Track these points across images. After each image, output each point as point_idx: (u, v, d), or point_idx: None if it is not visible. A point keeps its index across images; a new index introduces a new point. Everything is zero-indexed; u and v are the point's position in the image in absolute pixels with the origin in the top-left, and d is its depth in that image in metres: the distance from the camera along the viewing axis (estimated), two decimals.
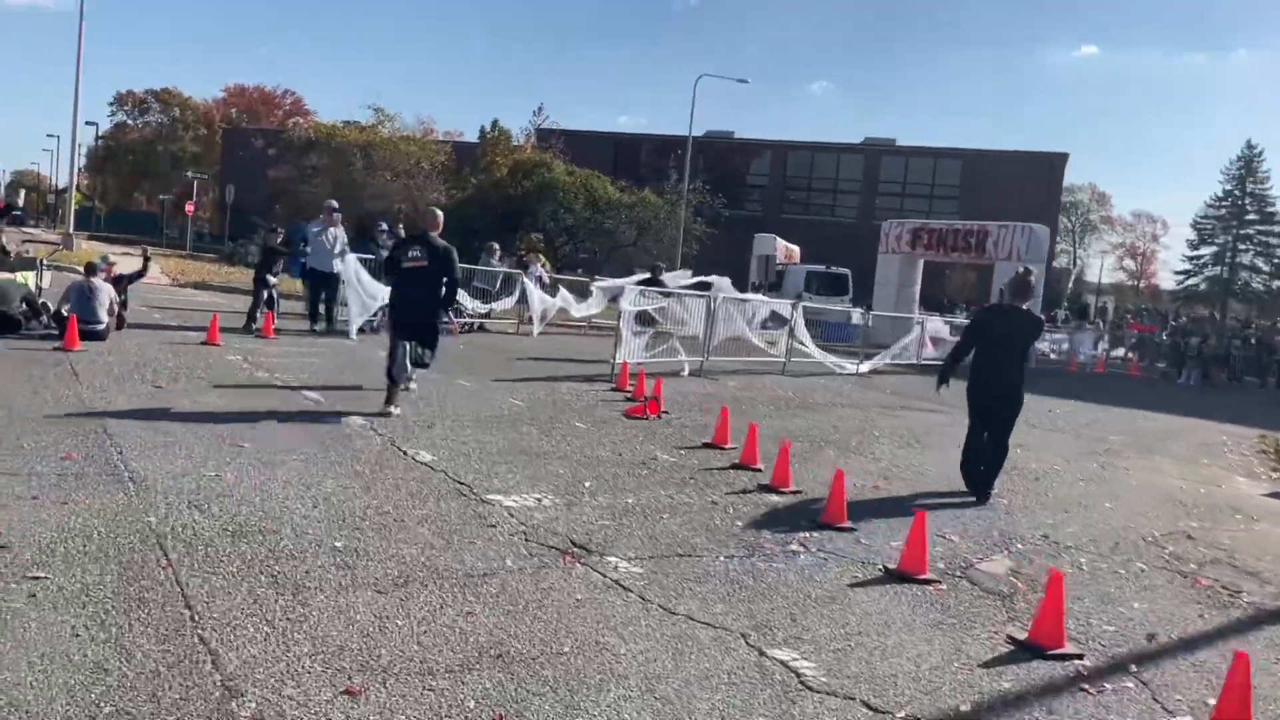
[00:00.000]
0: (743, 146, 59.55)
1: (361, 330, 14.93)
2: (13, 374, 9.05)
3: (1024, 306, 8.29)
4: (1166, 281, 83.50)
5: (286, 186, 40.70)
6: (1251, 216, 72.71)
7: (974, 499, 7.86)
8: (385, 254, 17.36)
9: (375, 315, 15.43)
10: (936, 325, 24.69)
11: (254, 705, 3.28)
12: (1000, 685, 4.15)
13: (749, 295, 22.49)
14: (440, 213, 9.66)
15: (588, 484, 6.94)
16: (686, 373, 14.92)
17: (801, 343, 17.82)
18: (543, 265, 21.32)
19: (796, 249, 38.26)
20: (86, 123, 61.14)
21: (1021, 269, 8.52)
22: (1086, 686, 4.24)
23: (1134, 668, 4.54)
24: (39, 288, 13.13)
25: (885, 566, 5.64)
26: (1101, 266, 77.18)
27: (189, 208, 51.69)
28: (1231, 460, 12.59)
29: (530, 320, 19.08)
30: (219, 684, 3.40)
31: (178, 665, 3.49)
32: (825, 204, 57.96)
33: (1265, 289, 72.64)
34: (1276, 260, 72.79)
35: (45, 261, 15.19)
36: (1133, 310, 46.03)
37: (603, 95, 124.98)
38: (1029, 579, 5.82)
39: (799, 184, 59.22)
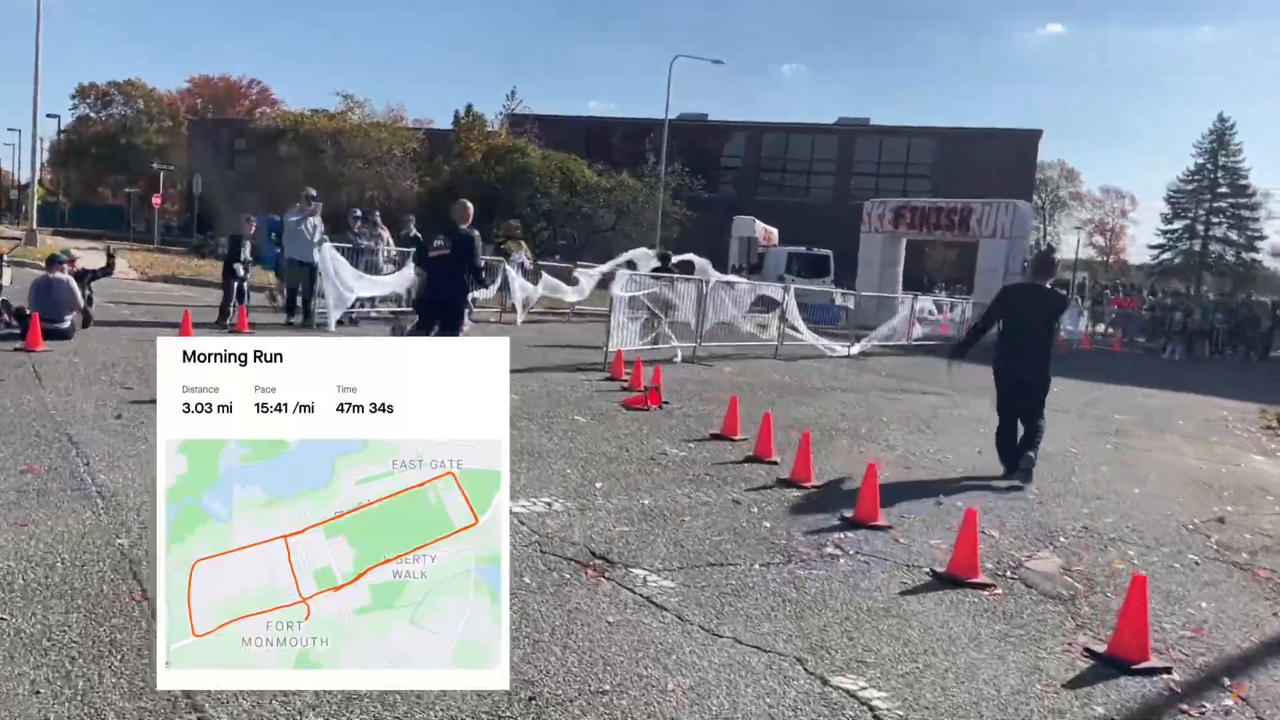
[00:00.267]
0: (716, 129, 58.90)
1: (341, 322, 14.35)
2: None
3: (1047, 284, 8.05)
4: (1135, 256, 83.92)
5: (255, 177, 39.79)
6: (1224, 190, 72.96)
7: (1016, 482, 7.55)
8: (362, 243, 16.86)
9: (354, 306, 14.93)
10: (925, 304, 24.37)
11: None
12: (1092, 711, 3.68)
13: (733, 278, 22.01)
14: (470, 205, 10.43)
15: (599, 485, 6.43)
16: (679, 359, 14.44)
17: (794, 326, 17.40)
18: (525, 253, 20.71)
19: (775, 231, 37.79)
20: (48, 115, 59.48)
21: (1045, 246, 8.26)
22: (1186, 707, 3.78)
23: (1226, 680, 4.11)
24: None
25: (933, 570, 5.17)
26: (1078, 243, 77.21)
27: (156, 200, 50.34)
28: (1241, 438, 12.31)
29: (513, 309, 18.53)
30: None
31: None
32: (800, 185, 57.49)
33: (1238, 260, 72.98)
34: (1249, 232, 73.17)
35: (6, 257, 14.43)
36: (1110, 286, 45.85)
37: (571, 83, 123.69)
38: (1084, 578, 5.39)
39: (774, 165, 58.72)
